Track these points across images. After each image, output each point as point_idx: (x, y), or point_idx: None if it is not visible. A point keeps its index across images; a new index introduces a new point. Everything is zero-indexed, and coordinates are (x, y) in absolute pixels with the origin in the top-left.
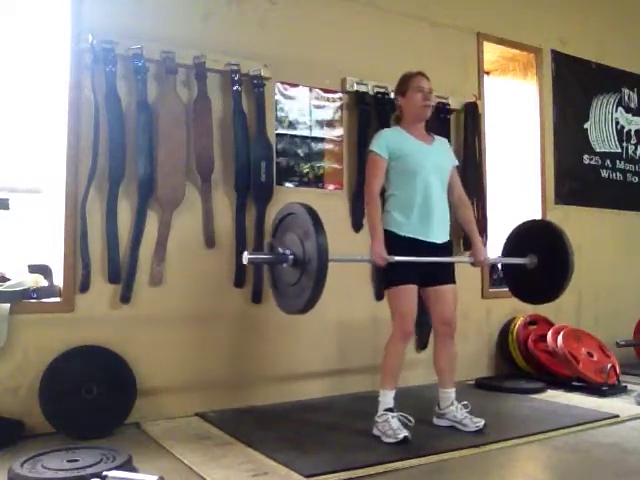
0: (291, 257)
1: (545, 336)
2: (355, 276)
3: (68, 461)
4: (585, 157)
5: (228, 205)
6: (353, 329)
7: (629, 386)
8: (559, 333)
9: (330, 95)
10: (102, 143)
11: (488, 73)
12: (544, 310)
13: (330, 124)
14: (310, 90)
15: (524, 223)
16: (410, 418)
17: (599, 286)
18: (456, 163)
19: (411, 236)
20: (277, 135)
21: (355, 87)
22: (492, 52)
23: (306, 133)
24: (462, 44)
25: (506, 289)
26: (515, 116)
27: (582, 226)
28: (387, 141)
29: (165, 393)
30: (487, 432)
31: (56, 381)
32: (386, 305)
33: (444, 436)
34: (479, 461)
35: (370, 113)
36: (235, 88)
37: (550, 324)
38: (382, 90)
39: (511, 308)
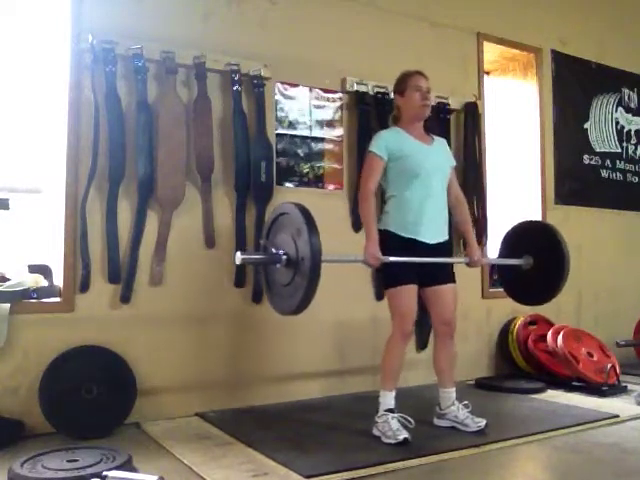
0: (284, 257)
1: (545, 336)
2: (355, 276)
3: (68, 461)
4: (585, 157)
5: (228, 205)
6: (353, 329)
7: (629, 386)
8: (559, 333)
9: (330, 95)
10: (102, 143)
11: (488, 73)
12: (544, 310)
13: (330, 124)
14: (310, 90)
15: (519, 224)
16: (410, 419)
17: (599, 286)
18: (454, 164)
19: (411, 237)
20: (277, 135)
21: (355, 87)
22: (492, 52)
23: (306, 133)
24: (462, 44)
25: None
26: (515, 116)
27: (582, 226)
28: (386, 142)
29: (165, 393)
30: (487, 432)
31: (56, 381)
32: (386, 305)
33: (444, 436)
34: (479, 461)
35: (370, 113)
36: (235, 88)
37: (550, 324)
38: (382, 90)
39: (511, 308)
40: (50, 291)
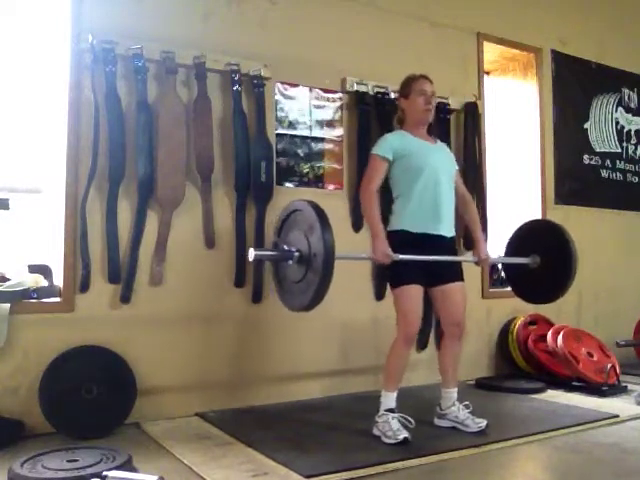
0: (297, 254)
1: (545, 336)
2: (356, 276)
3: (68, 461)
4: (585, 157)
5: (228, 205)
6: (354, 329)
7: (629, 386)
8: (559, 333)
9: (330, 95)
10: (102, 143)
11: (488, 73)
12: (544, 310)
13: (330, 124)
14: (310, 90)
15: (527, 223)
16: (411, 420)
17: (599, 286)
18: (457, 167)
19: (421, 231)
20: (277, 135)
21: (355, 87)
22: (492, 52)
23: (306, 133)
24: (462, 44)
25: (506, 289)
26: (515, 116)
27: (582, 226)
28: (391, 144)
29: (165, 393)
30: (487, 432)
31: (56, 381)
32: (386, 304)
33: (444, 436)
34: (479, 461)
35: (370, 113)
36: (235, 88)
37: (550, 324)
38: (382, 90)
39: (511, 308)
40: (50, 291)
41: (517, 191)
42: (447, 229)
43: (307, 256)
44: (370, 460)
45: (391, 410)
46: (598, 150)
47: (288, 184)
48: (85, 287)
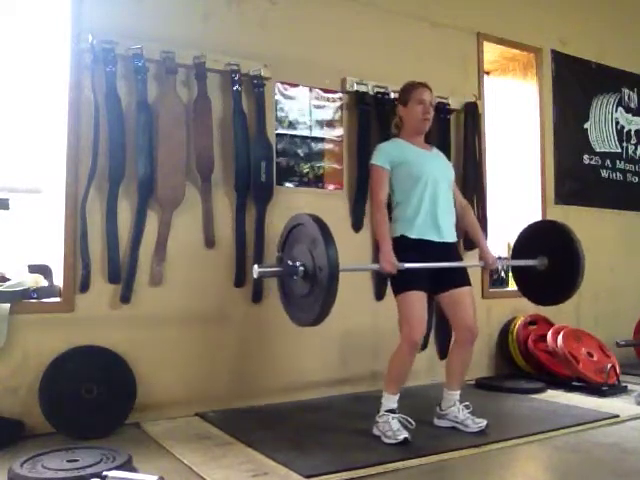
0: (301, 269)
1: (545, 336)
2: (356, 275)
3: (68, 461)
4: (585, 157)
5: (228, 205)
6: (354, 329)
7: (629, 386)
8: (559, 333)
9: (330, 95)
10: (102, 143)
11: (488, 73)
12: (544, 310)
13: (330, 124)
14: (310, 90)
15: (532, 224)
16: (411, 420)
17: (599, 286)
18: (454, 176)
19: (422, 238)
20: (277, 135)
21: (355, 87)
22: (492, 52)
23: (306, 133)
24: (462, 44)
25: (506, 289)
26: (515, 116)
27: (582, 226)
28: (387, 153)
29: (165, 393)
30: (487, 432)
31: (56, 381)
32: (386, 305)
33: (444, 436)
34: (479, 461)
35: (370, 113)
36: (235, 88)
37: (550, 324)
38: (382, 90)
39: (511, 308)
40: (50, 291)
41: (517, 191)
42: (448, 234)
43: (312, 271)
44: (370, 460)
45: (392, 410)
46: (598, 150)
47: (288, 184)
48: (85, 287)
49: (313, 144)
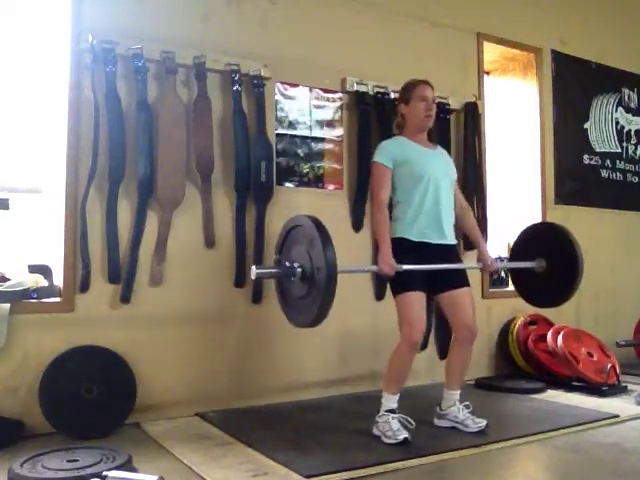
0: (299, 270)
1: (545, 336)
2: (356, 275)
3: (68, 461)
4: (585, 157)
5: (228, 205)
6: (354, 329)
7: (629, 386)
8: (559, 333)
9: (330, 95)
10: (102, 143)
11: (488, 73)
12: (544, 310)
13: (330, 124)
14: (310, 90)
15: (531, 226)
16: (411, 421)
17: (599, 286)
18: (456, 175)
19: (423, 240)
20: (277, 135)
21: (355, 87)
22: (492, 52)
23: (306, 133)
24: (462, 44)
25: (506, 289)
26: (515, 116)
27: (582, 226)
28: (389, 151)
29: (165, 393)
30: (487, 432)
31: (56, 381)
32: (386, 306)
33: (444, 436)
34: (479, 461)
35: (370, 113)
36: (235, 88)
37: (550, 324)
38: (382, 90)
39: (511, 308)
40: (50, 291)
41: (517, 191)
42: (448, 236)
43: (310, 272)
44: (370, 460)
45: (392, 410)
46: (598, 150)
47: (288, 184)
48: (85, 287)
49: (313, 144)
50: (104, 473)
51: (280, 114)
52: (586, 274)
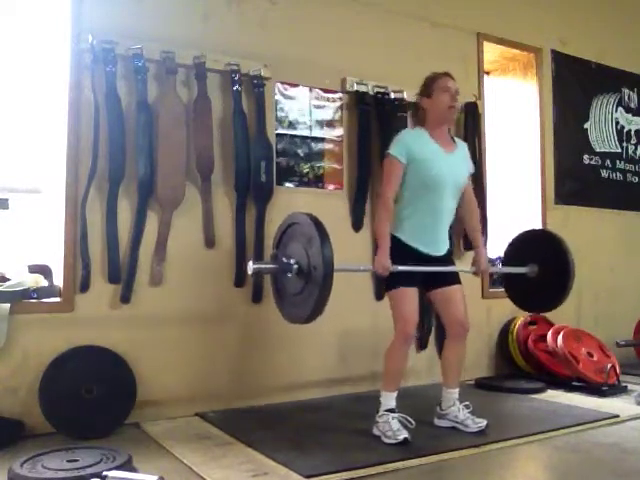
0: (295, 266)
1: (545, 336)
2: (356, 275)
3: (68, 461)
4: (585, 157)
5: (228, 205)
6: (354, 329)
7: (629, 386)
8: (559, 333)
9: (330, 95)
10: (102, 143)
11: (488, 73)
12: None
13: (330, 124)
14: (310, 90)
15: (523, 232)
16: (411, 420)
17: (599, 286)
18: (472, 171)
19: (418, 248)
20: (277, 135)
21: (355, 87)
22: (492, 52)
23: (306, 133)
24: (462, 44)
25: None
26: (515, 116)
27: (582, 226)
28: (407, 144)
29: (165, 393)
30: (487, 432)
31: (56, 381)
32: (386, 305)
33: (444, 436)
34: (479, 461)
35: (370, 113)
36: (235, 88)
37: (550, 324)
38: (382, 90)
39: (511, 308)
40: (50, 291)
41: (517, 191)
42: (444, 248)
43: (306, 269)
44: (370, 460)
45: (391, 410)
46: (598, 150)
47: (288, 184)
48: (85, 287)
49: (313, 144)
50: (104, 473)
51: (280, 114)
52: (586, 274)
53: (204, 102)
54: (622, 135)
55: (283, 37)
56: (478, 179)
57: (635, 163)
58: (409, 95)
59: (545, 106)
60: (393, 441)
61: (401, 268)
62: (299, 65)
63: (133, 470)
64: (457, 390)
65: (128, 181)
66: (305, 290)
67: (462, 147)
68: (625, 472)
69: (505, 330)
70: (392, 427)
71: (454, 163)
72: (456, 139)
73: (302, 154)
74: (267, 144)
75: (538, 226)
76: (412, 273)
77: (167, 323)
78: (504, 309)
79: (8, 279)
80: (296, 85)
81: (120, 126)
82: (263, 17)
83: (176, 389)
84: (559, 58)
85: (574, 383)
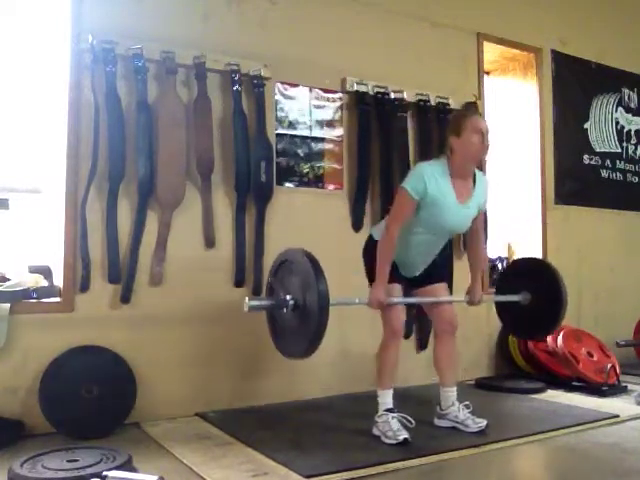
0: (291, 302)
1: None
2: (356, 274)
3: (68, 461)
4: (585, 157)
5: (228, 205)
6: (354, 327)
7: (629, 386)
8: (559, 333)
9: (330, 95)
10: (102, 143)
11: (488, 73)
12: None
13: (330, 124)
14: (310, 90)
15: (517, 260)
16: (410, 419)
17: (599, 286)
18: (485, 209)
19: (401, 271)
20: (277, 135)
21: (355, 87)
22: (492, 52)
23: (306, 133)
24: (462, 44)
25: None
26: (515, 116)
27: (582, 226)
28: (424, 183)
29: (165, 393)
30: (487, 432)
31: (56, 381)
32: None
33: (444, 436)
34: (479, 461)
35: (370, 113)
36: (235, 88)
37: None
38: (382, 90)
39: None
40: (50, 291)
41: (517, 191)
42: (422, 270)
43: (302, 305)
44: (370, 460)
45: (390, 410)
46: (598, 150)
47: (288, 184)
48: (85, 287)
49: (313, 144)
50: (104, 473)
51: (280, 114)
52: (586, 274)
53: (204, 102)
54: (622, 135)
55: (283, 37)
56: None
57: (635, 163)
58: (409, 95)
59: (545, 106)
60: (393, 441)
61: (396, 300)
62: (299, 65)
63: (133, 470)
64: (454, 389)
65: (128, 181)
66: (301, 326)
67: (480, 184)
68: (625, 472)
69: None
70: (392, 427)
71: (464, 214)
72: (478, 174)
73: (302, 154)
74: (267, 144)
75: (538, 227)
76: (397, 268)
77: (167, 323)
78: None
79: (8, 279)
80: (296, 85)
81: (120, 126)
82: (263, 17)
83: (176, 389)
84: (559, 58)
85: (574, 383)
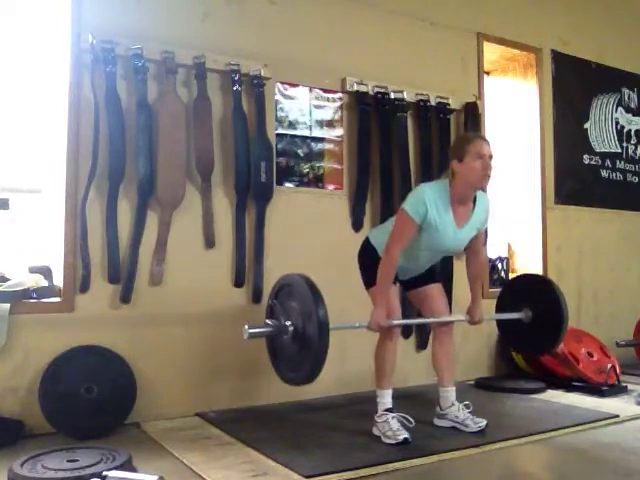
0: (291, 329)
1: None
2: (356, 274)
3: (68, 461)
4: (585, 157)
5: (228, 205)
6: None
7: (629, 386)
8: None
9: (330, 95)
10: (102, 143)
11: (488, 73)
12: None
13: (330, 124)
14: (310, 90)
15: (518, 277)
16: (410, 419)
17: (599, 286)
18: (484, 229)
19: (398, 274)
20: (277, 135)
21: (355, 87)
22: (492, 52)
23: (306, 133)
24: (462, 44)
25: None
26: (515, 116)
27: (582, 226)
28: (425, 208)
29: (165, 393)
30: (487, 432)
31: (56, 381)
32: None
33: (444, 436)
34: (479, 461)
35: (370, 113)
36: (235, 88)
37: None
38: (382, 90)
39: None
40: (50, 291)
41: (517, 191)
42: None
43: (301, 331)
44: (370, 460)
45: (390, 410)
46: (598, 150)
47: (288, 184)
48: (85, 287)
49: (313, 144)
50: (104, 473)
51: (280, 114)
52: (586, 274)
53: (204, 102)
54: (622, 135)
55: (283, 37)
56: None
57: (635, 163)
58: (409, 95)
59: (545, 106)
60: (393, 441)
61: (396, 322)
62: (299, 65)
63: (133, 470)
64: (453, 388)
65: (128, 181)
66: (301, 353)
67: (481, 204)
68: (625, 472)
69: None
70: (392, 427)
71: (461, 237)
72: (479, 195)
73: (302, 154)
74: (267, 144)
75: (538, 227)
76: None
77: (167, 323)
78: None
79: (8, 279)
80: (296, 85)
81: (120, 126)
82: (263, 17)
83: (176, 389)
84: (559, 58)
85: (574, 383)
